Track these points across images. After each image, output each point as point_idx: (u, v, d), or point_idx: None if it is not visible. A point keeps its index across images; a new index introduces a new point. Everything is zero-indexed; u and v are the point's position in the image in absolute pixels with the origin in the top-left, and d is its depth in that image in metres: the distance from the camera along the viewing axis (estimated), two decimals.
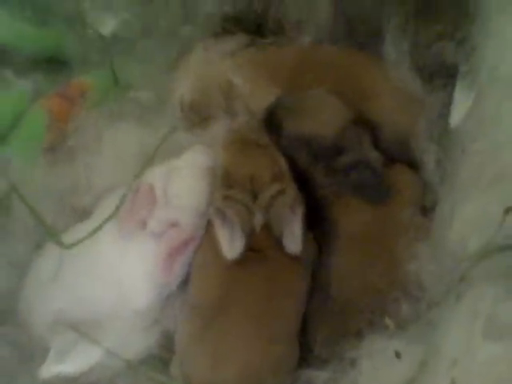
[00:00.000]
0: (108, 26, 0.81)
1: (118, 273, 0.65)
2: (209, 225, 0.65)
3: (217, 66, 0.77)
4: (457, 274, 0.53)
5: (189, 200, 0.66)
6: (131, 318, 0.65)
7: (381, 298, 0.62)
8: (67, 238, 0.66)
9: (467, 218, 0.57)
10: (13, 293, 0.68)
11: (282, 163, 0.66)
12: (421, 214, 0.66)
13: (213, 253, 0.62)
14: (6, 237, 0.69)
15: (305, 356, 0.64)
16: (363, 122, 0.69)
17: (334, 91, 0.69)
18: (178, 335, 0.64)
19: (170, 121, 0.76)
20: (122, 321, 0.65)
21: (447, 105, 0.66)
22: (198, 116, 0.76)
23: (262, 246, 0.63)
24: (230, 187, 0.64)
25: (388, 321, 0.61)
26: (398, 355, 0.56)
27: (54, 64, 0.81)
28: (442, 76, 0.70)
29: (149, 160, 0.71)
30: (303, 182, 0.67)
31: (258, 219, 0.63)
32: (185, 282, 0.66)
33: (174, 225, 0.65)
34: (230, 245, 0.61)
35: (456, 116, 0.64)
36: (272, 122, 0.70)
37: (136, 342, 0.66)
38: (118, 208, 0.66)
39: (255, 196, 0.63)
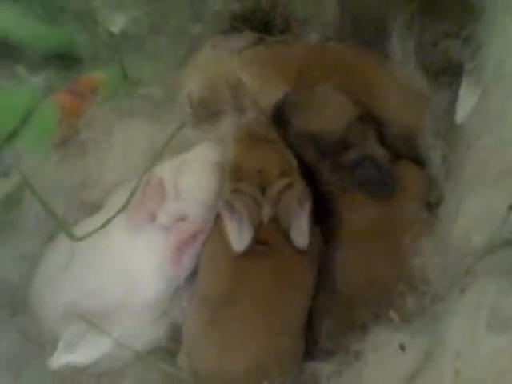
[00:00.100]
0: (118, 23, 0.81)
1: (128, 265, 0.66)
2: (218, 217, 0.66)
3: (225, 63, 0.77)
4: (461, 268, 0.53)
5: (198, 194, 0.67)
6: (140, 309, 0.65)
7: (386, 292, 0.62)
8: (77, 232, 0.67)
9: (472, 213, 0.57)
10: (24, 285, 0.69)
11: (291, 158, 0.67)
12: (426, 210, 0.66)
13: (222, 245, 0.63)
14: (17, 229, 0.70)
15: (310, 348, 0.65)
16: (369, 119, 0.69)
17: (340, 88, 0.70)
18: (187, 326, 0.65)
19: (178, 117, 0.77)
20: (131, 312, 0.65)
21: (453, 102, 0.66)
22: (206, 112, 0.77)
23: (269, 240, 0.64)
24: (239, 181, 0.64)
25: (393, 314, 0.61)
26: (402, 348, 0.56)
27: (65, 61, 0.81)
28: (447, 73, 0.70)
29: (158, 155, 0.71)
30: (310, 177, 0.68)
31: (266, 212, 0.64)
32: (193, 275, 0.67)
33: (182, 218, 0.66)
34: (239, 237, 0.61)
35: (461, 113, 0.64)
36: (280, 118, 0.70)
37: (144, 334, 0.67)
38: (128, 201, 0.67)
39: (264, 190, 0.64)
